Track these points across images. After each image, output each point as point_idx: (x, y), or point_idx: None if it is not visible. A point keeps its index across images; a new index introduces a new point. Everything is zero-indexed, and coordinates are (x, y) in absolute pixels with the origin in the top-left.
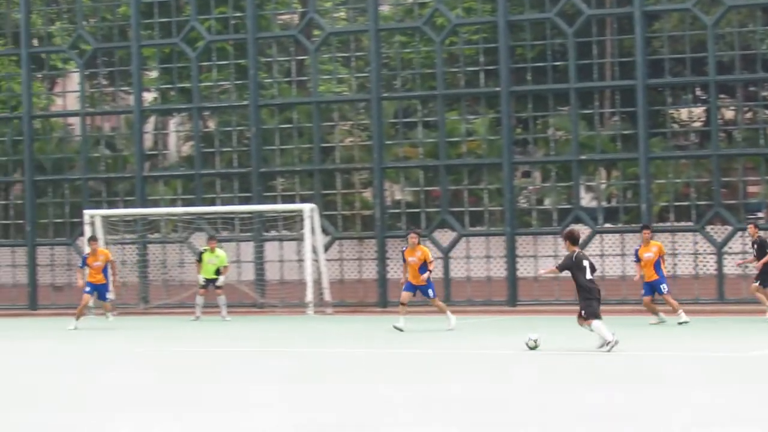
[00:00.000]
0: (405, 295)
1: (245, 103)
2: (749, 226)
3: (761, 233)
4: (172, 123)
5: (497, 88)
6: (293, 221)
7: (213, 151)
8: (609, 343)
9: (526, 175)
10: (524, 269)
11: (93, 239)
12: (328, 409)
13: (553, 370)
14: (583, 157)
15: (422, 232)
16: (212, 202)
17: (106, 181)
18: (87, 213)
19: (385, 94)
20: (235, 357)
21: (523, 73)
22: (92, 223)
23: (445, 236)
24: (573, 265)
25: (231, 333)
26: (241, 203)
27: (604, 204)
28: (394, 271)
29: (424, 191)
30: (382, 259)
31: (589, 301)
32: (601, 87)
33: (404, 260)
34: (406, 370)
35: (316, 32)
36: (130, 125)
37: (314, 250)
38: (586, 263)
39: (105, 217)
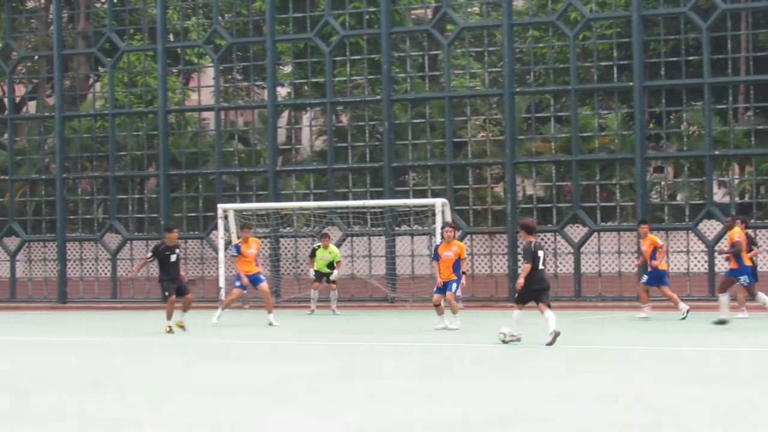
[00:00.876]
0: (437, 297)
1: (378, 97)
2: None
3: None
4: (306, 118)
5: (630, 83)
6: (424, 216)
7: (345, 146)
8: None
9: (659, 170)
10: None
11: (246, 227)
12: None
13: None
14: (716, 153)
15: (456, 226)
16: (344, 197)
17: (240, 176)
18: (220, 207)
19: (518, 89)
20: (389, 351)
21: (657, 67)
22: (225, 217)
23: (576, 231)
24: (532, 254)
25: (364, 326)
26: (372, 198)
27: (737, 200)
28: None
29: (556, 186)
30: (513, 254)
31: (530, 289)
32: (736, 82)
33: (437, 257)
34: (556, 364)
35: (449, 27)
36: (263, 120)
37: None
38: (541, 254)
39: (238, 211)
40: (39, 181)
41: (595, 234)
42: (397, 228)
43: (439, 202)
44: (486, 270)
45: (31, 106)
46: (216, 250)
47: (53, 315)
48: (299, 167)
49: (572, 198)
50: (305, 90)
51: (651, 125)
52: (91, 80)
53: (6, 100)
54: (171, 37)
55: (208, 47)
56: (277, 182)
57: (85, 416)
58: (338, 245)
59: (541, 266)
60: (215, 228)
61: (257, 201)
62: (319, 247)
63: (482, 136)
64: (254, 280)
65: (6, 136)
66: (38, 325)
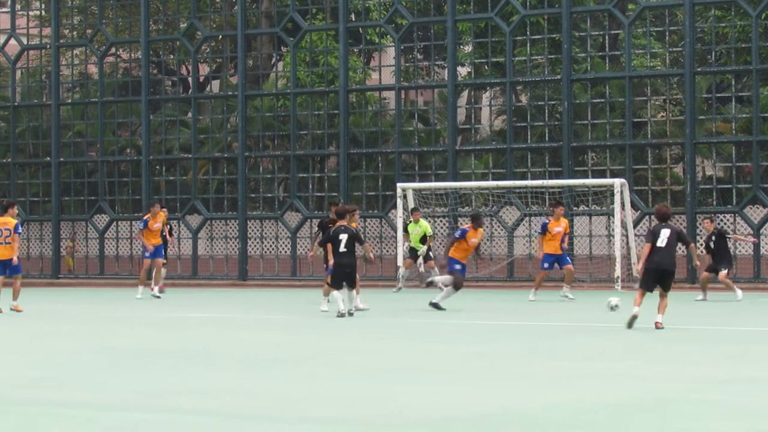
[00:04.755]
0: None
1: (558, 77)
2: (705, 221)
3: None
4: (485, 97)
5: None
6: (603, 196)
7: (525, 126)
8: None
9: None
10: None
11: (156, 203)
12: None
13: None
14: None
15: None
16: (523, 176)
17: (419, 155)
18: (400, 186)
19: (699, 69)
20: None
21: None
22: (404, 196)
23: (756, 212)
24: (332, 238)
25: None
26: (551, 178)
27: None
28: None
29: (736, 167)
30: (692, 234)
31: (339, 271)
32: None
33: (547, 231)
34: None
35: (631, 6)
36: (443, 99)
37: (624, 225)
38: (342, 237)
39: (417, 190)
40: (221, 159)
41: None
42: (575, 208)
43: (617, 182)
44: None
45: (215, 86)
46: (395, 229)
47: (235, 292)
48: (478, 146)
49: (752, 179)
50: (485, 69)
51: None
52: (273, 60)
53: (190, 80)
54: (353, 16)
55: (389, 27)
56: (456, 161)
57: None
58: (516, 225)
59: (343, 249)
60: (394, 207)
61: (436, 180)
62: (410, 222)
63: (662, 116)
64: (155, 252)
65: (190, 114)
66: (225, 302)
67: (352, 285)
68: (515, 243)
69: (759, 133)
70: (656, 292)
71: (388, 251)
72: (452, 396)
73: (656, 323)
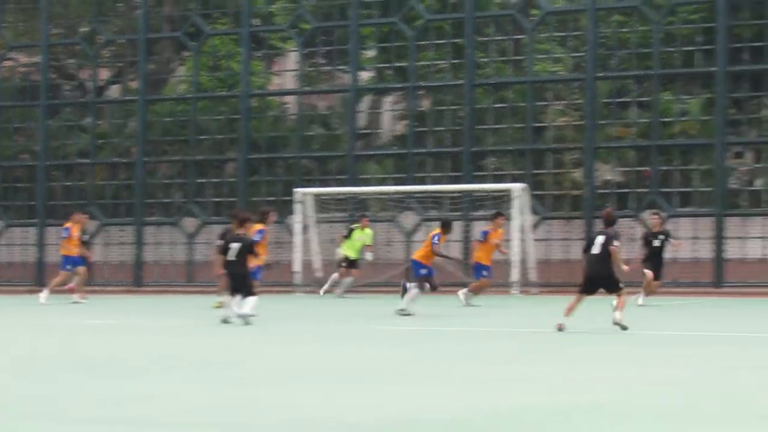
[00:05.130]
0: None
1: (461, 82)
2: (653, 217)
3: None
4: (387, 102)
5: (713, 68)
6: (502, 201)
7: (425, 131)
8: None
9: (738, 155)
10: (732, 251)
11: (79, 212)
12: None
13: None
14: None
15: None
16: (422, 182)
17: (319, 160)
18: (298, 191)
19: (600, 74)
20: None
21: (740, 52)
22: (303, 202)
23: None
24: (224, 247)
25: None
26: (451, 183)
27: None
28: None
29: (635, 171)
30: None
31: (230, 280)
32: None
33: (487, 239)
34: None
35: (534, 11)
36: (345, 104)
37: (522, 230)
38: (234, 246)
39: (316, 196)
40: (119, 164)
41: (672, 219)
42: (473, 213)
43: (517, 187)
44: (562, 255)
45: (114, 90)
46: (293, 235)
47: (131, 299)
48: (379, 152)
49: (651, 183)
50: (387, 74)
51: (732, 110)
52: (174, 64)
53: (90, 84)
54: (256, 21)
55: (293, 31)
56: (356, 166)
57: None
58: (414, 231)
59: (232, 257)
60: (292, 212)
61: (336, 185)
62: (357, 227)
63: (563, 121)
64: (76, 261)
65: (89, 119)
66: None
67: (244, 293)
68: (411, 248)
69: (658, 138)
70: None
71: (285, 257)
72: (359, 400)
73: (615, 321)
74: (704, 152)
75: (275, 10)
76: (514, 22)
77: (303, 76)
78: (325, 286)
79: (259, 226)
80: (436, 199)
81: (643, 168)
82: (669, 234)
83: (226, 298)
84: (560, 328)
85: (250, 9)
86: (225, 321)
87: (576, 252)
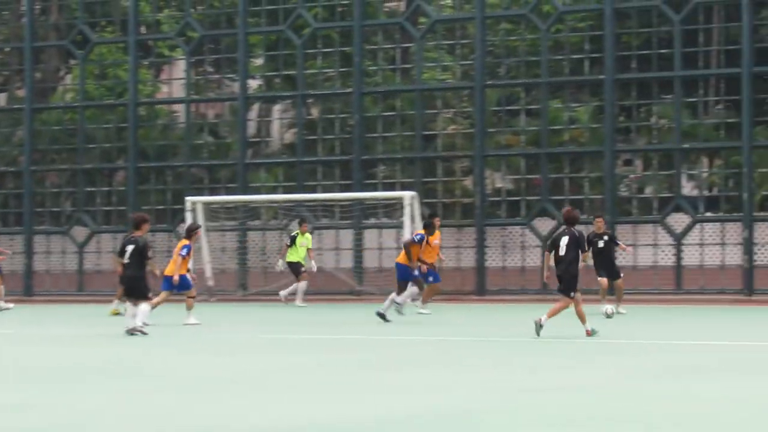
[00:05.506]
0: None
1: (349, 90)
2: (597, 219)
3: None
4: (276, 110)
5: (602, 76)
6: (393, 209)
7: (315, 139)
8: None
9: (628, 163)
10: (623, 258)
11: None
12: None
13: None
14: (685, 146)
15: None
16: (313, 190)
17: (209, 168)
18: (189, 200)
19: (489, 82)
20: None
21: (628, 60)
22: (194, 210)
23: (545, 224)
24: (120, 249)
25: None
26: (341, 191)
27: (706, 193)
28: (492, 260)
29: (525, 179)
30: (480, 248)
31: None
32: (706, 75)
33: (425, 242)
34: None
35: (422, 20)
36: (234, 112)
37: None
38: (128, 248)
39: (206, 204)
40: (7, 173)
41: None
42: (365, 221)
43: (407, 195)
44: (453, 263)
45: (1, 99)
46: None
47: (21, 308)
48: (268, 160)
49: (541, 191)
50: (276, 83)
51: (621, 118)
52: (61, 72)
53: None
54: (143, 29)
55: (180, 39)
56: (246, 175)
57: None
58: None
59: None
60: (183, 221)
61: (226, 194)
62: (298, 233)
63: (452, 129)
64: None
65: None
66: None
67: (137, 297)
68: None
69: (547, 146)
70: None
71: None
72: (254, 408)
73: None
74: (594, 160)
75: (162, 18)
76: (402, 31)
77: (191, 84)
78: (284, 292)
79: (184, 242)
80: (327, 208)
81: (534, 176)
82: (614, 236)
83: (128, 305)
84: (540, 323)
85: (137, 17)
86: (131, 333)
87: (468, 260)
